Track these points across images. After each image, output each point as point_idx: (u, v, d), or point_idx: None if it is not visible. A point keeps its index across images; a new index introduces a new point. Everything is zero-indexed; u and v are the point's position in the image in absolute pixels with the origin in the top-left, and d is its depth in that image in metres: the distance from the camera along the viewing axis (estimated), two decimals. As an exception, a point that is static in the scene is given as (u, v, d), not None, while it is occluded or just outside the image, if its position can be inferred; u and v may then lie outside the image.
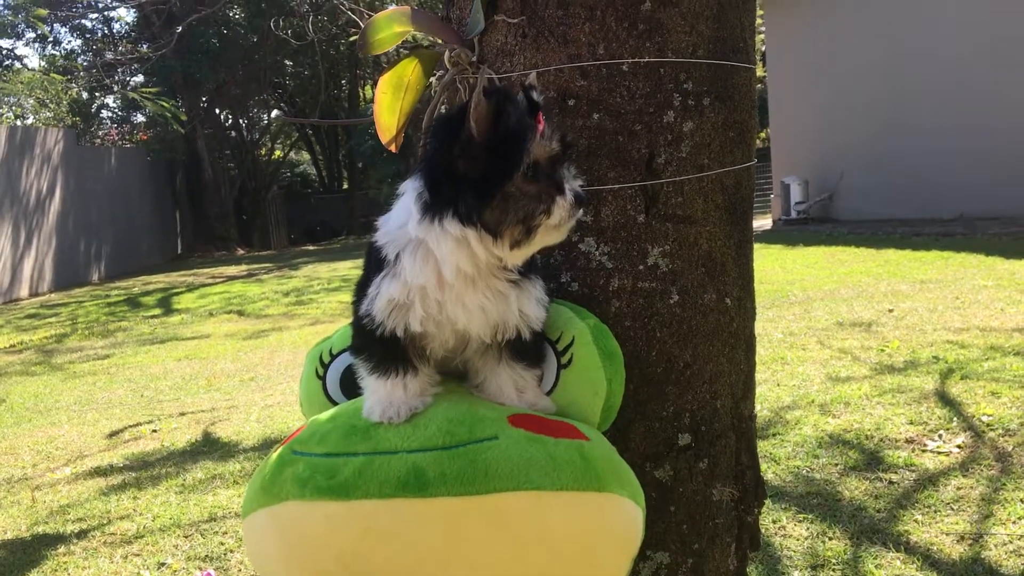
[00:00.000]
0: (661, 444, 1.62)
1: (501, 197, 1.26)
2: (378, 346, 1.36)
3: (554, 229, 1.30)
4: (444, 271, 1.30)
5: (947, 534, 3.05)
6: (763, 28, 16.47)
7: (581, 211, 1.31)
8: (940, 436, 3.87)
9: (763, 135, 20.57)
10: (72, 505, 4.15)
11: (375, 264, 1.37)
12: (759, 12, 15.36)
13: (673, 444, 1.62)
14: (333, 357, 1.57)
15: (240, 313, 11.23)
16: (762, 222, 15.84)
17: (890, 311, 6.61)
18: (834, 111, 14.64)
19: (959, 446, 3.75)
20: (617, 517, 1.30)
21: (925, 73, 12.73)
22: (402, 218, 1.34)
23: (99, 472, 4.66)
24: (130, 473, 4.59)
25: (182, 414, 5.86)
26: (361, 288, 1.40)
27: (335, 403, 1.53)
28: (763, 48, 16.48)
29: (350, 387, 1.50)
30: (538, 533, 1.23)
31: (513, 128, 1.26)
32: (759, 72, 1.87)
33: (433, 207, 1.28)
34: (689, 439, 1.63)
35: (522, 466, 1.22)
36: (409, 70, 1.68)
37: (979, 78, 11.86)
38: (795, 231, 14.04)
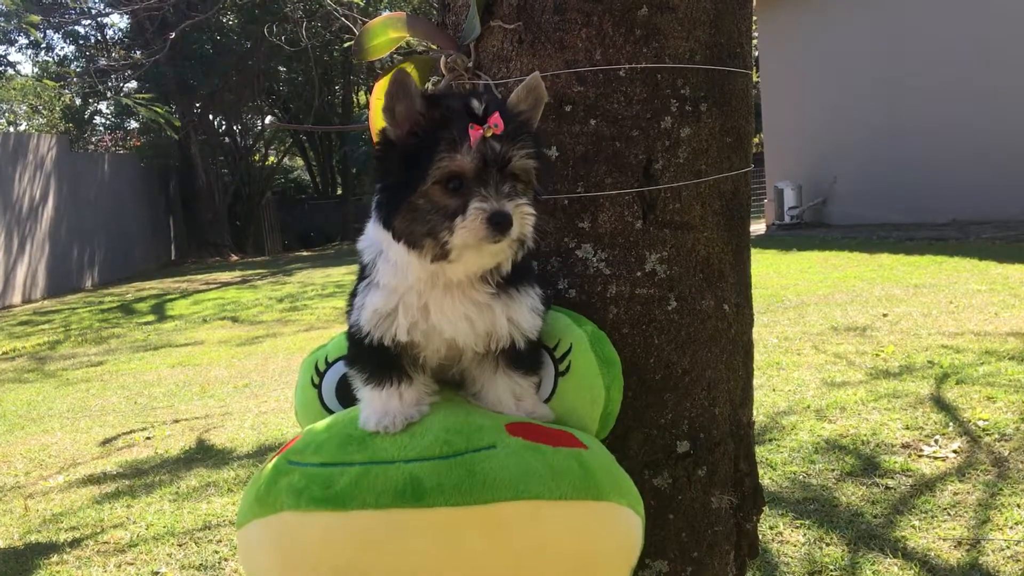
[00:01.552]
0: (660, 452, 1.61)
1: (408, 207, 1.23)
2: (371, 356, 1.35)
3: (472, 249, 1.23)
4: (408, 275, 1.29)
5: (944, 540, 3.04)
6: (756, 33, 16.50)
7: (510, 233, 1.21)
8: (936, 441, 3.87)
9: (756, 140, 20.62)
10: (65, 513, 4.12)
11: (360, 271, 1.38)
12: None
13: (672, 451, 1.61)
14: (329, 365, 1.55)
15: (234, 319, 11.20)
16: (756, 227, 15.85)
17: (884, 316, 6.61)
18: (827, 116, 14.67)
19: (955, 451, 3.75)
20: (616, 526, 1.29)
21: (917, 78, 12.76)
22: (372, 221, 1.35)
23: (92, 480, 4.63)
24: (124, 481, 4.56)
25: (176, 421, 5.84)
26: (352, 298, 1.40)
27: (331, 412, 1.51)
28: (756, 53, 16.52)
29: (346, 395, 1.49)
30: (537, 543, 1.22)
31: (431, 136, 1.23)
32: (753, 76, 1.86)
33: (377, 208, 1.30)
34: (688, 446, 1.62)
35: (520, 475, 1.20)
36: (404, 76, 1.67)
37: (971, 82, 11.89)
38: (789, 236, 14.06)
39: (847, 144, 14.19)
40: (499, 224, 1.20)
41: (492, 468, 1.21)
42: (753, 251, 1.84)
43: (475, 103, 1.25)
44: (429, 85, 1.73)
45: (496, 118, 1.22)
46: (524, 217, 1.23)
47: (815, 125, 15.01)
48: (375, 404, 1.34)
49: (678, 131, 1.59)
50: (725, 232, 1.67)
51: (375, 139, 1.71)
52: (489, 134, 1.21)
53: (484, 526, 1.19)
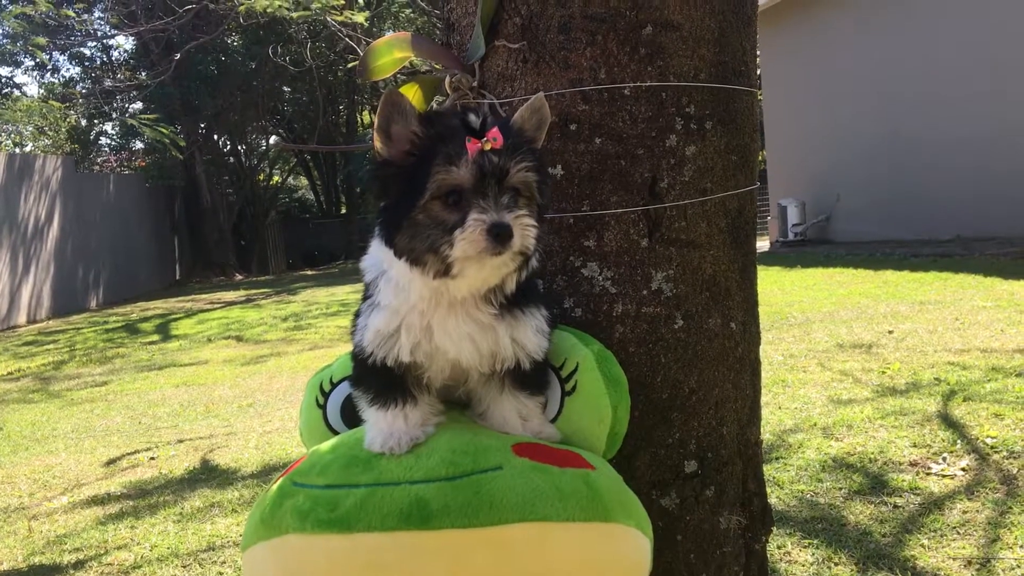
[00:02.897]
0: (667, 471, 1.60)
1: (408, 223, 1.23)
2: (375, 377, 1.35)
3: (474, 262, 1.21)
4: (410, 295, 1.29)
5: (954, 559, 3.01)
6: (759, 51, 16.55)
7: (512, 245, 1.20)
8: (944, 459, 3.84)
9: (760, 157, 20.65)
10: (69, 535, 4.10)
11: (364, 290, 1.38)
12: (754, 36, 15.40)
13: (679, 471, 1.60)
14: (333, 386, 1.55)
15: (238, 339, 11.19)
16: (759, 244, 15.75)
17: (890, 332, 6.59)
18: (830, 133, 14.70)
19: (963, 469, 3.72)
20: (624, 548, 1.28)
21: (921, 95, 12.78)
22: (375, 241, 1.35)
23: (96, 501, 4.61)
24: (128, 502, 4.54)
25: (180, 441, 5.82)
26: (356, 317, 1.39)
27: (336, 432, 1.51)
28: (759, 70, 16.57)
29: (351, 416, 1.48)
30: (544, 565, 1.20)
31: (428, 153, 1.22)
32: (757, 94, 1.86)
33: (379, 227, 1.29)
34: (695, 466, 1.61)
35: (528, 497, 1.19)
36: (409, 95, 1.67)
37: (975, 100, 11.90)
38: (793, 253, 14.05)
39: (850, 161, 14.21)
40: (499, 236, 1.18)
41: (499, 489, 1.20)
42: (757, 268, 1.83)
43: (472, 117, 1.24)
44: (434, 104, 1.74)
45: (495, 132, 1.22)
46: (525, 229, 1.21)
47: (818, 142, 15.03)
48: (380, 425, 1.33)
49: (683, 149, 1.59)
50: (731, 250, 1.67)
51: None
52: (488, 147, 1.21)
53: (491, 548, 1.18)
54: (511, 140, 1.24)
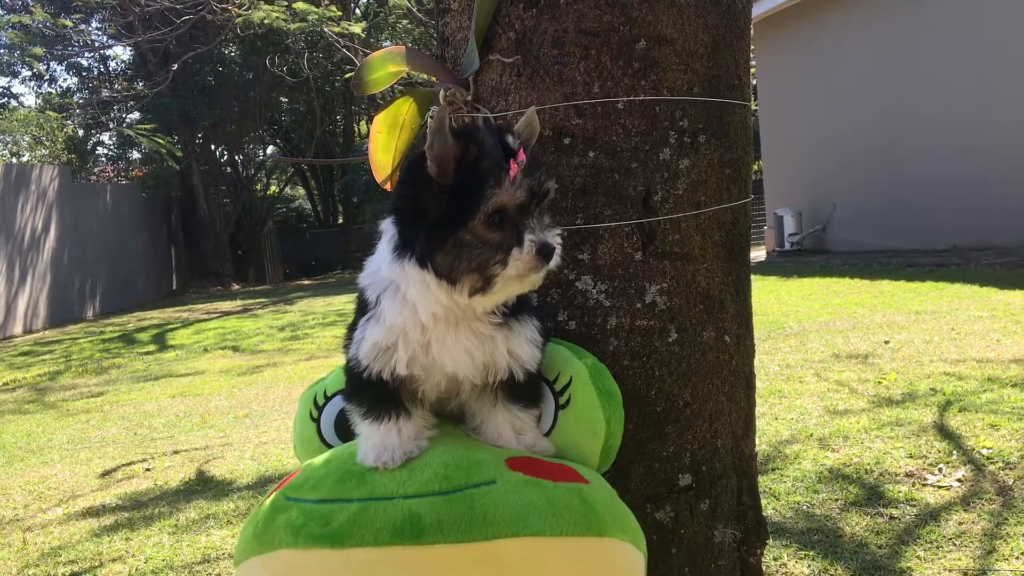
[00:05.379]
0: (661, 485, 1.59)
1: (454, 243, 1.23)
2: (369, 390, 1.34)
3: (516, 280, 1.25)
4: (419, 314, 1.28)
5: (950, 571, 3.01)
6: (755, 61, 16.60)
7: (551, 263, 1.25)
8: (940, 470, 3.84)
9: (756, 167, 20.70)
10: (64, 547, 4.09)
11: (361, 307, 1.37)
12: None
13: (674, 485, 1.60)
14: (327, 399, 1.55)
15: (235, 349, 11.17)
16: (756, 254, 15.82)
17: (886, 343, 6.59)
18: (826, 143, 14.73)
19: (959, 480, 3.72)
20: (618, 563, 1.28)
21: (917, 105, 12.82)
22: (380, 259, 1.34)
23: (91, 512, 4.59)
24: (123, 513, 4.52)
25: (176, 452, 5.80)
26: (350, 332, 1.39)
27: (330, 446, 1.50)
28: (755, 81, 16.62)
29: (345, 430, 1.48)
30: (538, 580, 1.20)
31: (473, 173, 1.23)
32: (751, 105, 1.87)
33: (400, 248, 1.28)
34: (690, 479, 1.61)
35: (521, 512, 1.19)
36: (404, 109, 1.68)
37: (971, 110, 11.94)
38: (789, 263, 14.05)
39: (846, 171, 14.23)
40: (547, 255, 1.23)
41: (492, 504, 1.20)
42: (754, 278, 1.83)
43: (510, 138, 1.26)
44: (428, 117, 1.74)
45: (522, 153, 1.25)
46: (558, 247, 1.27)
47: (814, 152, 15.06)
48: (373, 439, 1.33)
49: (677, 163, 1.60)
50: (725, 263, 1.67)
51: (375, 173, 1.71)
52: (521, 168, 1.24)
53: (484, 564, 1.18)
54: (529, 157, 1.27)
